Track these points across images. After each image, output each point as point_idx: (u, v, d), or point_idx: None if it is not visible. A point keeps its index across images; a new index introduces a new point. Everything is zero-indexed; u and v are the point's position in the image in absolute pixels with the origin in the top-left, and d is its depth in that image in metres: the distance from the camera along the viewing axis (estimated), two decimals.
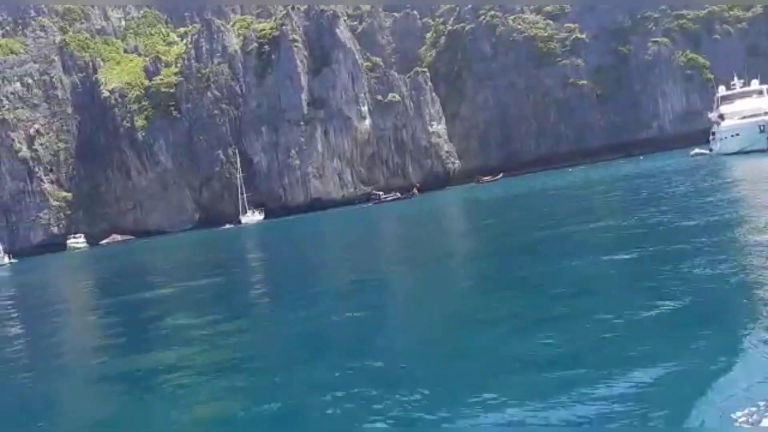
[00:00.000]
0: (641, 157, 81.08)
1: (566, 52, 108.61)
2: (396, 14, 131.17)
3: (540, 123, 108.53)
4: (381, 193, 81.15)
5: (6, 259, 75.02)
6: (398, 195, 79.58)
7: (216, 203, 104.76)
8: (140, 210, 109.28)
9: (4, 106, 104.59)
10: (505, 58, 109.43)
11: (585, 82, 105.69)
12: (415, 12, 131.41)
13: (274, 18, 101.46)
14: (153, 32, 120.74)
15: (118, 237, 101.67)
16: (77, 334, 15.33)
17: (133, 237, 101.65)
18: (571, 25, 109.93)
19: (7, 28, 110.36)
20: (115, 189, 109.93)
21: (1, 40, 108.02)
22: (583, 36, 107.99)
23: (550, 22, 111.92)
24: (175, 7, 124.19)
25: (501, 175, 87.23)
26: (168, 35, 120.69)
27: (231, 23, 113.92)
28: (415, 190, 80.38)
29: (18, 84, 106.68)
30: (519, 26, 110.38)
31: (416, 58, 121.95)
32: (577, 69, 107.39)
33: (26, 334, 16.06)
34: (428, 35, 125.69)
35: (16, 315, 21.06)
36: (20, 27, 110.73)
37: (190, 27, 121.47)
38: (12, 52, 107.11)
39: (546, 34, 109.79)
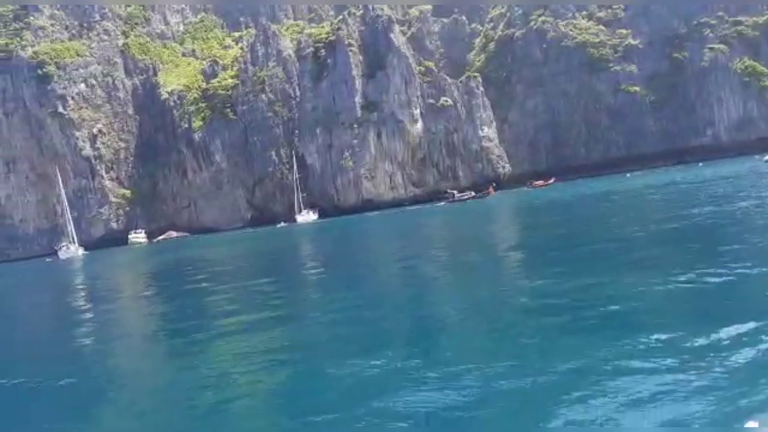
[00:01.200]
0: (700, 164, 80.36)
1: (618, 58, 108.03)
2: (444, 20, 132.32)
3: (590, 129, 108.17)
4: (455, 191, 79.74)
5: (80, 251, 79.29)
6: (473, 194, 77.67)
7: (268, 203, 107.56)
8: (195, 208, 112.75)
9: (69, 106, 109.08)
10: (555, 64, 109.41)
11: (637, 88, 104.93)
12: (464, 18, 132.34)
13: (330, 23, 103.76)
14: (209, 36, 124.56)
15: (174, 234, 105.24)
16: (153, 313, 16.91)
17: (188, 234, 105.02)
18: (624, 31, 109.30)
19: (74, 31, 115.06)
20: (172, 187, 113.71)
21: (67, 42, 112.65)
22: (636, 42, 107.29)
23: (603, 27, 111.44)
24: (230, 11, 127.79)
25: (553, 179, 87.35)
26: (223, 39, 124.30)
27: (285, 28, 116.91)
28: (491, 189, 78.64)
29: (83, 85, 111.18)
30: (571, 32, 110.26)
31: (464, 63, 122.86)
32: (629, 75, 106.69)
33: (106, 312, 17.67)
34: (477, 41, 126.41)
35: (102, 296, 22.90)
36: (85, 30, 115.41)
37: (245, 32, 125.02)
38: (78, 55, 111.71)
39: (598, 40, 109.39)
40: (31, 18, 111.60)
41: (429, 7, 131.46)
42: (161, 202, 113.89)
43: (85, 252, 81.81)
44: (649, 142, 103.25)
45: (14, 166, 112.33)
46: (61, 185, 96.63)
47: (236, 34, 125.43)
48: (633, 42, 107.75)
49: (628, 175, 77.46)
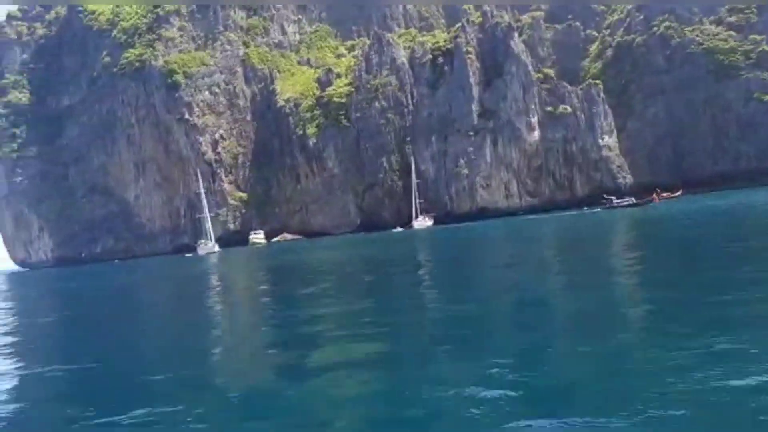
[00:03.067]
0: None
1: (750, 65, 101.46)
2: (557, 26, 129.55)
3: (717, 139, 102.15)
4: (613, 197, 75.13)
5: (216, 248, 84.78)
6: (632, 200, 72.30)
7: (377, 209, 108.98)
8: (306, 212, 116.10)
9: (194, 113, 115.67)
10: (680, 71, 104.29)
11: None
12: (578, 23, 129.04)
13: (447, 31, 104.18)
14: (323, 45, 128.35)
15: (288, 236, 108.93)
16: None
17: (301, 237, 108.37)
18: (757, 37, 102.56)
19: (199, 42, 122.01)
20: (285, 191, 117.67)
21: (194, 53, 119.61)
22: None
23: (733, 33, 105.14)
24: (343, 21, 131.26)
25: (680, 192, 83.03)
26: (337, 48, 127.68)
27: (397, 36, 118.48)
28: (654, 196, 72.99)
29: (207, 93, 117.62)
30: (697, 37, 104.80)
31: (578, 70, 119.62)
32: (763, 83, 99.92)
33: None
34: (592, 47, 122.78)
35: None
36: (210, 41, 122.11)
37: (357, 41, 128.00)
38: (203, 64, 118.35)
39: (728, 46, 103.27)
40: (163, 29, 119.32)
41: (541, 13, 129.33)
42: (274, 205, 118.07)
43: (218, 250, 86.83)
44: None
45: (143, 168, 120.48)
46: (200, 183, 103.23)
47: (349, 43, 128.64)
48: (767, 48, 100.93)
49: None
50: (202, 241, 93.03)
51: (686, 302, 11.72)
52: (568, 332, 10.59)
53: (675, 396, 6.54)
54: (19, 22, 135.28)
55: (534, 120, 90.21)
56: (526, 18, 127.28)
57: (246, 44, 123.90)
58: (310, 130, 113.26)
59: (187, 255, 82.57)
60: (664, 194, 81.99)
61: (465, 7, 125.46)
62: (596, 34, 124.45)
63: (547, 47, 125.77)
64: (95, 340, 15.30)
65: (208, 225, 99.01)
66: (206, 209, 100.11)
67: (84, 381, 10.70)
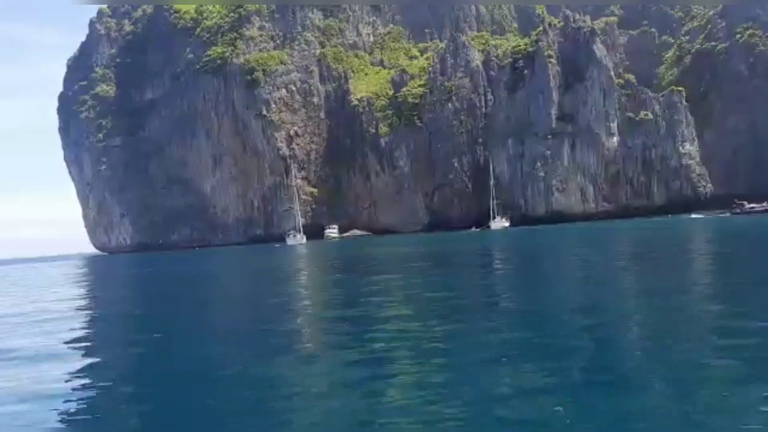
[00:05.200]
0: None
1: None
2: (632, 32, 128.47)
3: None
4: (745, 202, 71.86)
5: (304, 239, 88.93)
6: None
7: (445, 209, 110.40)
8: (374, 209, 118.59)
9: (271, 110, 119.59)
10: (764, 80, 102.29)
11: None
12: (653, 30, 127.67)
13: (528, 34, 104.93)
14: (397, 47, 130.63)
15: (358, 232, 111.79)
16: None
17: (370, 233, 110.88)
18: None
19: (278, 41, 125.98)
20: (355, 188, 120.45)
21: (273, 51, 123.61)
22: None
23: None
24: (417, 23, 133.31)
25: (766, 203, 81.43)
26: (410, 50, 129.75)
27: (470, 39, 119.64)
28: None
29: (284, 90, 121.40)
30: None
31: (651, 77, 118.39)
32: None
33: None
34: (668, 54, 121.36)
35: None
36: (288, 41, 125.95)
37: (430, 43, 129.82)
38: (281, 63, 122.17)
39: None
40: (244, 29, 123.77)
41: (615, 18, 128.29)
42: (343, 201, 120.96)
43: (302, 242, 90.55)
44: None
45: (220, 161, 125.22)
46: (292, 176, 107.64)
47: (421, 45, 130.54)
48: None
49: None
50: (291, 232, 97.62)
51: None
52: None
53: None
54: (108, 19, 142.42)
55: (613, 125, 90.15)
56: (599, 23, 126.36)
57: (322, 44, 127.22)
58: (383, 129, 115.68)
59: (276, 245, 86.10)
60: (751, 205, 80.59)
61: (538, 11, 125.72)
62: (672, 41, 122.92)
63: (620, 53, 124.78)
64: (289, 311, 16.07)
65: (298, 218, 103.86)
66: (297, 203, 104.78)
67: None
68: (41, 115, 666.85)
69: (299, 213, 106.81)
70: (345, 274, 27.58)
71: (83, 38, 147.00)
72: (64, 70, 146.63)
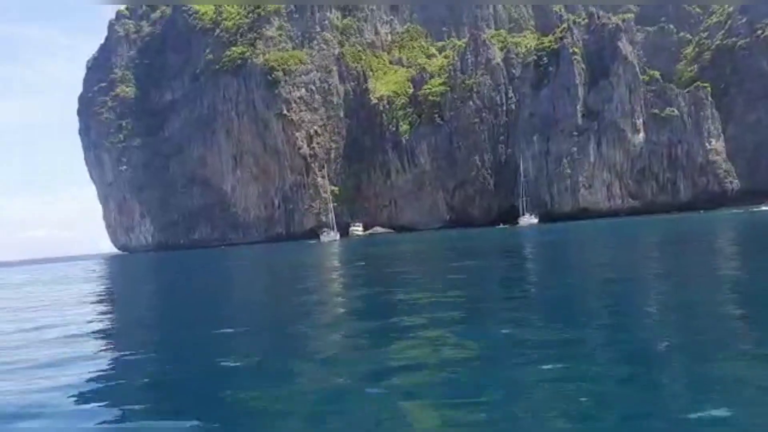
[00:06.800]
0: None
1: None
2: (649, 28, 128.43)
3: None
4: None
5: (337, 236, 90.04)
6: None
7: (466, 206, 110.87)
8: (395, 207, 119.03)
9: (292, 109, 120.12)
10: None
11: None
12: (671, 26, 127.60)
13: (547, 33, 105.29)
14: (415, 46, 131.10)
15: (380, 229, 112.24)
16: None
17: (392, 230, 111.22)
18: None
19: (297, 41, 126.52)
20: (375, 186, 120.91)
21: (292, 51, 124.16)
22: None
23: None
24: (434, 22, 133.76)
25: None
26: (428, 48, 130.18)
27: (490, 36, 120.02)
28: None
29: (303, 90, 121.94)
30: None
31: (670, 73, 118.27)
32: None
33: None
34: (687, 50, 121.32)
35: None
36: (307, 40, 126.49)
37: (448, 41, 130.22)
38: (301, 62, 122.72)
39: None
40: (263, 29, 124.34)
41: (632, 15, 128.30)
42: (364, 199, 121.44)
43: (336, 239, 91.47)
44: None
45: (240, 160, 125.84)
46: (316, 175, 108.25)
47: (439, 44, 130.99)
48: None
49: None
50: (325, 230, 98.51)
51: None
52: None
53: None
54: (127, 20, 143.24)
55: (639, 122, 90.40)
56: (616, 19, 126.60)
57: (341, 44, 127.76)
58: (403, 127, 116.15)
59: (310, 242, 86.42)
60: None
61: (555, 9, 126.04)
62: (690, 37, 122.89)
63: (638, 49, 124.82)
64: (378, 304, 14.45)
65: (332, 216, 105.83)
66: (331, 201, 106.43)
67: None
68: (50, 115, 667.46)
69: (331, 211, 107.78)
70: (419, 265, 27.44)
71: (101, 40, 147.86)
72: (81, 71, 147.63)
